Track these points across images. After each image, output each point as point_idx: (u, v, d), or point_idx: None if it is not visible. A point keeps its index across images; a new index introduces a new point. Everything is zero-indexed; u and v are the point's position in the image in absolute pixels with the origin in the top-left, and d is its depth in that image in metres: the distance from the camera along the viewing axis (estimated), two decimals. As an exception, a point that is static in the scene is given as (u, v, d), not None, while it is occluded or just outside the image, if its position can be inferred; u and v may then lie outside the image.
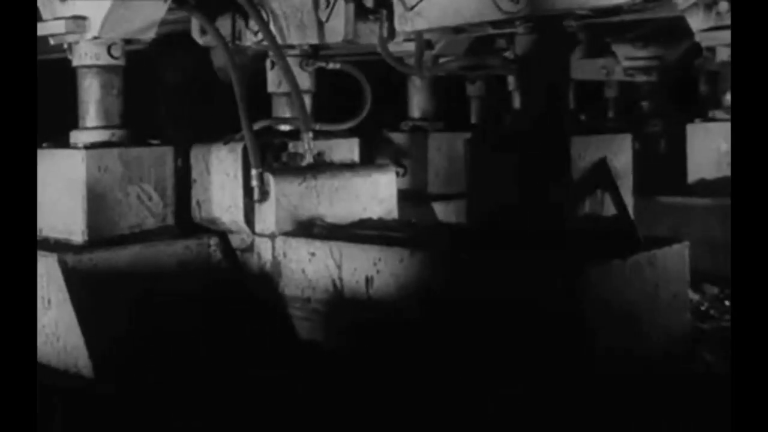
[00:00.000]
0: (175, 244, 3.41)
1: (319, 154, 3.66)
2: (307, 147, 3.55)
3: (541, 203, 3.02)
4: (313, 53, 3.81)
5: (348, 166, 3.72)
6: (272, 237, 3.40)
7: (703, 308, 3.86)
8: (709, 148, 4.94)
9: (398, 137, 5.22)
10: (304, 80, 3.75)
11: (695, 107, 5.37)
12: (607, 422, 2.58)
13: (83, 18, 3.41)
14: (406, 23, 3.26)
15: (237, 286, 3.47)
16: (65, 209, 3.37)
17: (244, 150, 3.42)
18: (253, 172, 3.38)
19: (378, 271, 3.04)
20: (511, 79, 5.85)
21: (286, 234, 3.38)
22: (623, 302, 2.77)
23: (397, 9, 3.25)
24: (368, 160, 3.83)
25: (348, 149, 3.80)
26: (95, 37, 3.43)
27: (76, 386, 3.02)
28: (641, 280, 2.84)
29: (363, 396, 2.85)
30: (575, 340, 2.67)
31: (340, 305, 3.16)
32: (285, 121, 3.76)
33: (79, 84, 3.53)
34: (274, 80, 3.83)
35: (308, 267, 3.26)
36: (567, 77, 3.08)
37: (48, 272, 3.13)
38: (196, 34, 3.93)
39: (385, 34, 3.42)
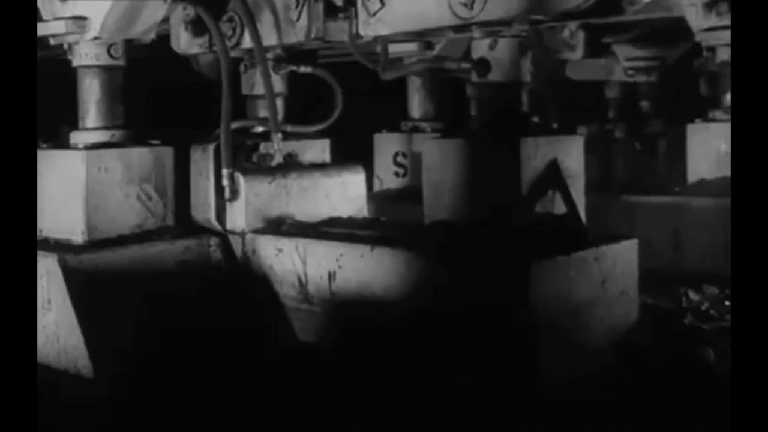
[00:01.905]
0: (175, 244, 3.42)
1: (290, 155, 3.77)
2: (276, 147, 3.64)
3: (492, 202, 3.13)
4: (287, 57, 3.88)
5: (318, 167, 3.82)
6: (242, 234, 3.49)
7: (703, 308, 3.85)
8: (709, 148, 4.94)
9: (398, 137, 5.23)
10: (277, 83, 3.82)
11: (695, 107, 5.36)
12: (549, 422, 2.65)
13: (83, 18, 3.41)
14: (369, 28, 3.38)
15: (237, 286, 3.47)
16: (65, 209, 3.37)
17: (216, 150, 3.51)
18: (224, 171, 3.48)
19: (340, 267, 3.15)
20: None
21: (255, 231, 3.49)
22: (569, 297, 2.86)
23: (361, 15, 3.38)
24: (339, 161, 3.93)
25: (320, 150, 3.90)
26: (95, 38, 3.44)
27: (75, 386, 3.02)
28: (587, 276, 2.92)
29: (325, 386, 2.94)
30: (520, 333, 2.77)
31: (305, 300, 3.26)
32: (258, 122, 3.83)
33: (79, 84, 3.54)
34: (247, 83, 3.91)
35: (275, 263, 3.37)
36: (519, 80, 3.21)
37: (48, 272, 3.13)
38: (175, 43, 3.95)
39: (354, 31, 3.49)
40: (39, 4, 3.50)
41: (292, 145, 3.79)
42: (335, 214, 3.73)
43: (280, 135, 3.63)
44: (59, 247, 3.27)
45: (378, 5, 3.31)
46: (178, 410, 2.79)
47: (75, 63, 3.53)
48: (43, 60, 3.28)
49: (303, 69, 3.87)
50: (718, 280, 4.00)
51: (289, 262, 3.32)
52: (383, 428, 2.68)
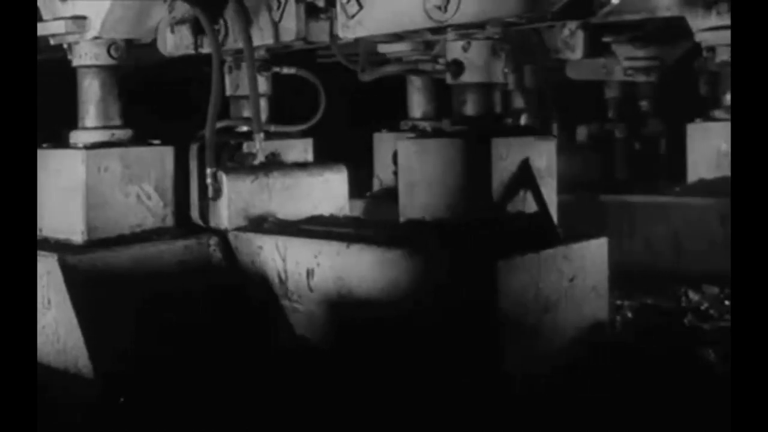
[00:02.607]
0: (174, 243, 3.42)
1: (273, 155, 3.82)
2: (258, 147, 3.68)
3: (464, 202, 3.18)
4: (271, 58, 3.91)
5: (301, 166, 3.86)
6: (225, 232, 3.54)
7: (703, 308, 3.86)
8: (709, 148, 4.94)
9: (398, 137, 5.22)
10: (261, 84, 3.84)
11: (695, 107, 5.36)
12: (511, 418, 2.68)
13: (83, 18, 3.41)
14: (348, 30, 3.41)
15: (236, 285, 3.47)
16: (65, 209, 3.37)
17: (199, 151, 3.56)
18: (208, 171, 3.54)
19: (318, 264, 3.22)
20: (510, 80, 5.84)
21: (238, 229, 3.54)
22: (537, 295, 2.91)
23: (340, 18, 3.41)
24: (322, 160, 3.98)
25: (302, 149, 3.95)
26: (95, 37, 3.44)
27: (75, 386, 3.03)
28: (556, 272, 2.98)
29: (311, 381, 3.00)
30: (488, 330, 2.81)
31: (285, 296, 3.33)
32: (243, 122, 3.85)
33: (79, 84, 3.54)
34: (232, 84, 3.93)
35: (257, 260, 3.42)
36: (492, 81, 3.26)
37: (48, 272, 3.13)
38: (161, 45, 3.95)
39: (335, 31, 3.51)
40: (39, 4, 3.50)
41: (275, 145, 3.83)
42: (317, 212, 3.79)
43: (262, 135, 3.66)
44: (59, 247, 3.27)
45: (356, 8, 3.34)
46: (177, 409, 2.80)
47: (75, 63, 3.53)
48: (44, 60, 3.29)
49: (286, 70, 3.90)
50: (718, 280, 4.00)
51: (270, 260, 3.38)
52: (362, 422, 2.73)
